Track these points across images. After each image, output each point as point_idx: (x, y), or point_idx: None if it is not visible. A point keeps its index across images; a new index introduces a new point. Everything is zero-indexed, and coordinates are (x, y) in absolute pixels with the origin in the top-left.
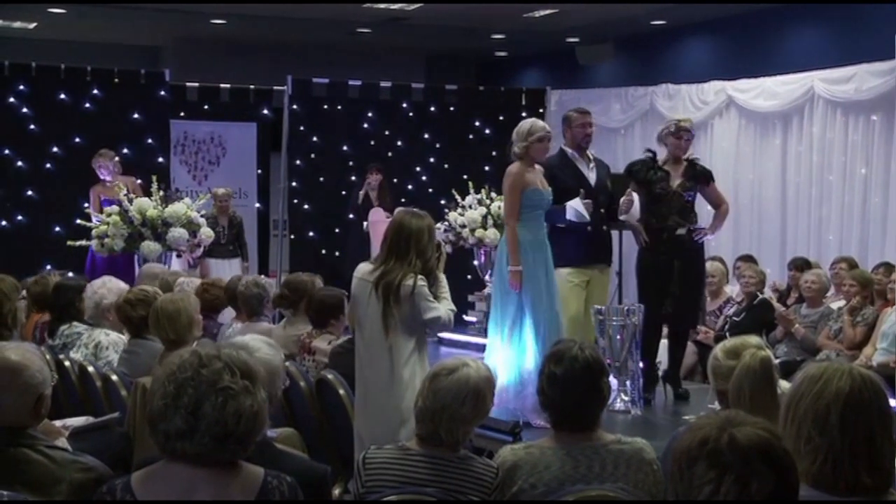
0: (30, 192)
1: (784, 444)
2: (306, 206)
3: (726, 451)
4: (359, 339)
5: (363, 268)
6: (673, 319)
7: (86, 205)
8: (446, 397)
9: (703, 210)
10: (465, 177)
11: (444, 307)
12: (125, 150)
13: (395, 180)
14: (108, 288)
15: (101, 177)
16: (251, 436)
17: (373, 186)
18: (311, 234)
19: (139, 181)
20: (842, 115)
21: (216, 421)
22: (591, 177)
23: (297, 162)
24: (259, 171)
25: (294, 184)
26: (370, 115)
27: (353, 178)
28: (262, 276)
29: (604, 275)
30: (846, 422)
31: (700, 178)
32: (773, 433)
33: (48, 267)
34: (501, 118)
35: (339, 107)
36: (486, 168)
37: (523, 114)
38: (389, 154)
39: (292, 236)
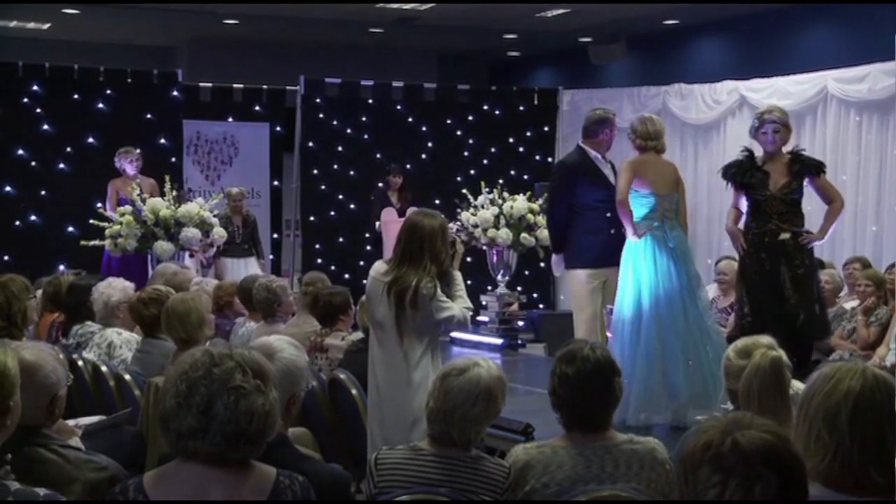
0: (43, 192)
1: (791, 447)
2: (318, 206)
3: (729, 456)
4: (372, 338)
5: (378, 267)
6: (799, 332)
7: (99, 205)
8: (457, 397)
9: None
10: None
11: (458, 306)
12: (138, 151)
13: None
14: (113, 287)
15: (129, 172)
16: (263, 435)
17: (393, 188)
18: (323, 234)
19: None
20: (855, 115)
21: (228, 420)
22: (613, 178)
23: (310, 162)
24: (271, 170)
25: (306, 184)
26: (382, 114)
27: (365, 178)
28: (276, 278)
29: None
30: (856, 420)
31: (806, 172)
32: (779, 435)
33: (61, 267)
34: (514, 118)
35: (352, 107)
36: (499, 168)
37: (535, 113)
38: (402, 154)
39: (304, 236)
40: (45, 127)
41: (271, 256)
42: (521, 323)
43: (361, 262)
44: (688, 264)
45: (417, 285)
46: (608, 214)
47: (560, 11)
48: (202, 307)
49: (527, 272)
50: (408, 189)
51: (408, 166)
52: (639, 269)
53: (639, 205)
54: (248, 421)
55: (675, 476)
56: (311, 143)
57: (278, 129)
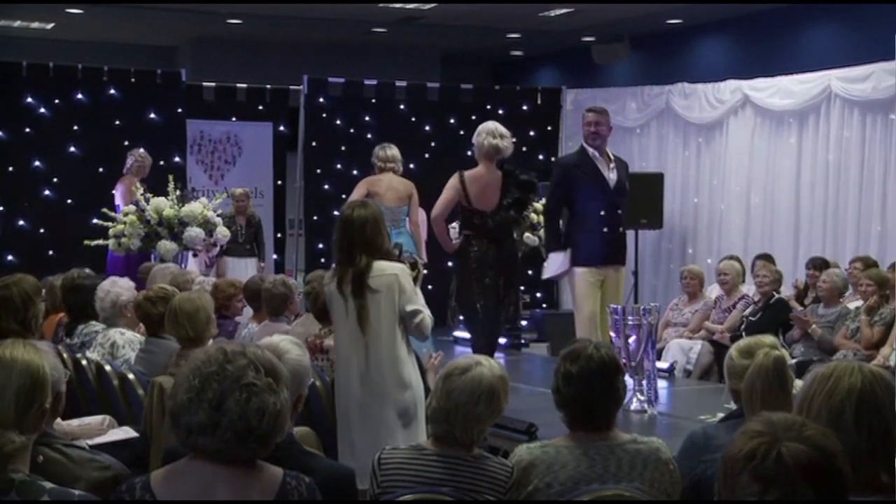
0: (47, 192)
1: (838, 462)
2: (322, 206)
3: (771, 468)
4: (343, 350)
5: (329, 272)
6: None
7: (107, 206)
8: (460, 397)
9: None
10: None
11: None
12: (141, 150)
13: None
14: (120, 286)
15: (145, 173)
16: (272, 434)
17: None
18: (326, 233)
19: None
20: (859, 114)
21: (239, 417)
22: (612, 177)
23: (313, 161)
24: (275, 170)
25: (310, 183)
26: (386, 114)
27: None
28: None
29: (618, 274)
30: (861, 417)
31: None
32: (826, 450)
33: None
34: (517, 118)
35: (355, 106)
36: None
37: (539, 113)
38: (405, 153)
39: (308, 235)
40: (49, 126)
41: (275, 256)
42: (524, 322)
43: None
44: None
45: (363, 270)
46: (602, 213)
47: (563, 11)
48: (209, 306)
49: (530, 272)
50: None
51: (411, 166)
52: None
53: None
54: (259, 419)
55: (684, 473)
56: (314, 143)
57: (282, 128)
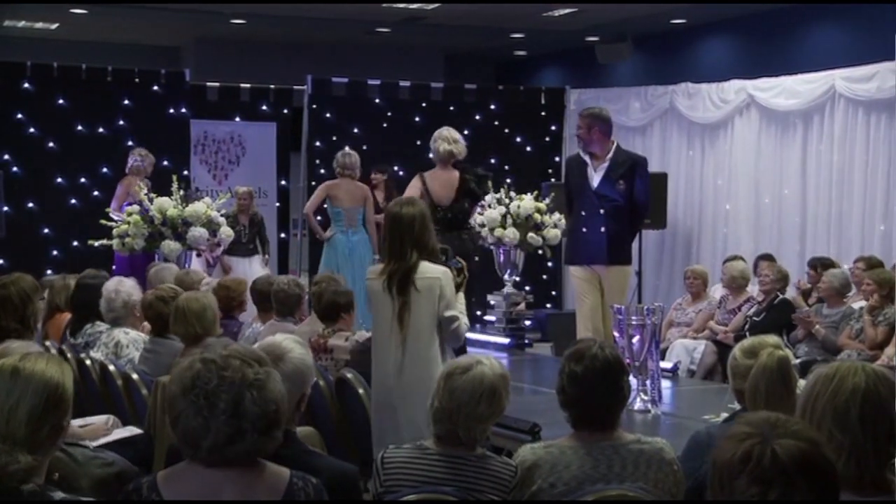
0: (51, 192)
1: (825, 452)
2: (325, 206)
3: (769, 469)
4: (379, 342)
5: (373, 268)
6: None
7: (108, 210)
8: (462, 396)
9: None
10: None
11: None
12: (143, 150)
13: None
14: (127, 286)
15: (147, 173)
16: (284, 417)
17: (378, 188)
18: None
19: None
20: (864, 114)
21: (258, 415)
22: (595, 177)
23: (317, 161)
24: (278, 170)
25: (314, 183)
26: (389, 114)
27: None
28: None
29: (613, 274)
30: (866, 417)
31: None
32: (813, 441)
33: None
34: (521, 117)
35: (359, 106)
36: (506, 167)
37: (543, 113)
38: (409, 153)
39: (312, 236)
40: (53, 126)
41: (277, 255)
42: (528, 322)
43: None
44: (357, 262)
45: (412, 268)
46: (582, 213)
47: (567, 11)
48: (214, 304)
49: (534, 271)
50: (392, 187)
51: (415, 166)
52: (331, 262)
53: (333, 215)
54: (275, 409)
55: (687, 474)
56: (317, 143)
57: (285, 128)
